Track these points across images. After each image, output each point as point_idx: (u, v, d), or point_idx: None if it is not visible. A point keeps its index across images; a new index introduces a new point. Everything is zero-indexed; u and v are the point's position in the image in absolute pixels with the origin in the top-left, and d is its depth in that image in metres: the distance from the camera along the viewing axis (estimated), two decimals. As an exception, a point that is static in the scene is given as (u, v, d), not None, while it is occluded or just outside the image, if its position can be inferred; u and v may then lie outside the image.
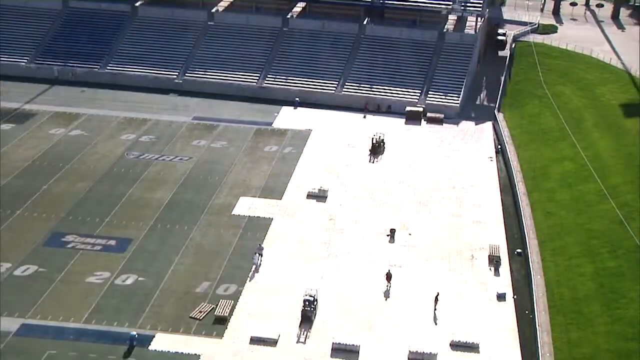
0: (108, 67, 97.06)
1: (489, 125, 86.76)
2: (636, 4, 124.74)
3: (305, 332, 50.47)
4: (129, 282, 55.20)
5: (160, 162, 74.61)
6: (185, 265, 57.59)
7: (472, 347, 49.46)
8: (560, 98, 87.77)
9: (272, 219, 64.61)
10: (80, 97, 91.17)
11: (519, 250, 60.88)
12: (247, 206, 66.54)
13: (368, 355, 48.61)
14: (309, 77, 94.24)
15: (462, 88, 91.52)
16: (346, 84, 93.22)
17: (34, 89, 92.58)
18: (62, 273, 55.80)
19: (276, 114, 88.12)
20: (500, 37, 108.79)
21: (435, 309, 52.93)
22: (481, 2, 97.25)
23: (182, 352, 48.21)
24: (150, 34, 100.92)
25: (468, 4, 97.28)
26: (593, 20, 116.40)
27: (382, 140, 78.68)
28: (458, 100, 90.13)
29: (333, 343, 48.97)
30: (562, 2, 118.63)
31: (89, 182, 69.68)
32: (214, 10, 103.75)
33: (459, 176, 73.88)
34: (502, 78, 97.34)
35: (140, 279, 55.59)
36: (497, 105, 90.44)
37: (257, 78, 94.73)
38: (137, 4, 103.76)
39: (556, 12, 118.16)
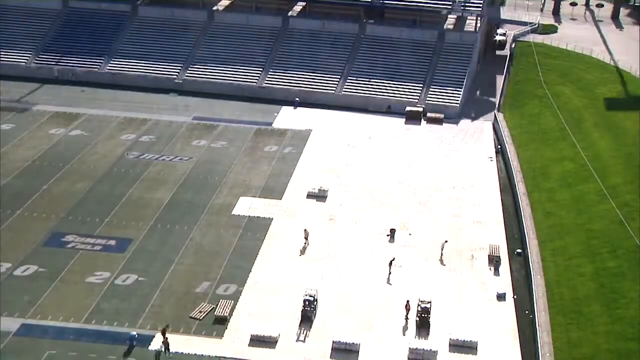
0: (108, 67, 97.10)
1: (489, 125, 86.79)
2: (636, 4, 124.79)
3: (305, 332, 50.47)
4: (129, 282, 55.20)
5: (160, 162, 74.62)
6: (185, 265, 57.59)
7: (471, 347, 49.45)
8: (560, 98, 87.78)
9: (272, 219, 64.61)
10: (80, 97, 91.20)
11: (519, 250, 60.89)
12: (247, 206, 66.54)
13: (368, 355, 48.59)
14: (309, 77, 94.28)
15: (462, 88, 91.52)
16: (346, 84, 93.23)
17: (34, 89, 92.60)
18: (62, 273, 55.79)
19: (276, 114, 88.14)
20: (499, 38, 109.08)
21: (389, 273, 56.13)
22: (481, 2, 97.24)
23: (182, 352, 48.25)
24: (150, 34, 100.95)
25: (468, 4, 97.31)
26: (592, 20, 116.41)
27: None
28: (458, 100, 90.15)
29: (333, 342, 48.98)
30: (562, 2, 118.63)
31: (89, 182, 69.69)
32: (215, 8, 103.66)
33: (459, 176, 73.89)
34: (502, 78, 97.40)
35: (140, 279, 55.59)
36: (497, 105, 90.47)
37: (257, 78, 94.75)
38: (138, 2, 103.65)
39: (556, 12, 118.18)
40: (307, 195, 68.81)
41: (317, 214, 65.78)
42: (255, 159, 76.22)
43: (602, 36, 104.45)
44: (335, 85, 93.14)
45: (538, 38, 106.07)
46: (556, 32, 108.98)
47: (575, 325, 50.26)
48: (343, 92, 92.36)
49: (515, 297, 55.05)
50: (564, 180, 70.02)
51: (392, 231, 62.34)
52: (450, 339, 49.91)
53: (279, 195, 68.90)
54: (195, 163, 74.67)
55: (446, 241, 60.15)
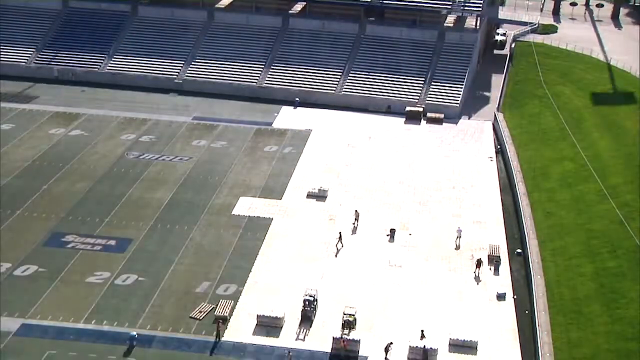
0: (108, 67, 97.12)
1: (489, 125, 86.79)
2: (636, 4, 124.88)
3: (305, 331, 50.45)
4: (129, 282, 55.20)
5: (160, 162, 74.62)
6: (185, 265, 57.59)
7: (471, 347, 49.45)
8: (560, 98, 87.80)
9: (272, 219, 64.61)
10: (80, 97, 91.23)
11: (519, 250, 60.89)
12: (247, 206, 66.54)
13: (368, 354, 48.60)
14: (309, 77, 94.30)
15: (462, 88, 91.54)
16: (346, 84, 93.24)
17: (34, 89, 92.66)
18: (62, 273, 55.78)
19: (276, 114, 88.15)
20: (499, 38, 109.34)
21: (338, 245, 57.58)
22: (481, 2, 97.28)
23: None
24: (150, 34, 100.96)
25: (468, 4, 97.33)
26: (591, 19, 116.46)
27: None
28: (458, 100, 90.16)
29: (333, 338, 48.98)
30: (562, 2, 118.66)
31: (89, 182, 69.70)
32: (216, 6, 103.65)
33: (459, 176, 73.89)
34: (502, 78, 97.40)
35: (140, 279, 55.58)
36: (497, 105, 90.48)
37: (257, 78, 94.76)
38: (138, 2, 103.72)
39: (556, 12, 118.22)
40: (307, 195, 68.82)
41: (317, 214, 65.77)
42: (255, 159, 76.23)
43: (597, 35, 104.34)
44: (335, 85, 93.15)
45: (538, 38, 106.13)
46: (556, 32, 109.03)
47: (575, 325, 50.26)
48: (343, 92, 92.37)
49: (515, 297, 55.04)
50: (564, 180, 70.02)
51: (392, 231, 62.35)
52: (450, 338, 49.90)
53: (279, 195, 68.90)
54: (195, 163, 74.67)
55: (460, 229, 62.18)
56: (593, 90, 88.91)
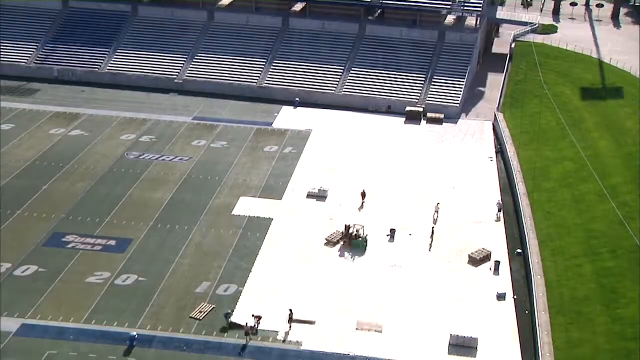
0: (108, 67, 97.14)
1: (489, 125, 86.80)
2: (636, 4, 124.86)
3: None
4: (129, 282, 55.20)
5: (160, 162, 74.62)
6: (185, 265, 57.58)
7: (471, 347, 49.44)
8: (560, 98, 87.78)
9: (272, 219, 64.59)
10: (80, 97, 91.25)
11: (519, 250, 60.89)
12: (247, 206, 66.53)
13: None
14: (309, 77, 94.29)
15: (462, 88, 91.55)
16: (346, 84, 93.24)
17: (34, 89, 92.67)
18: (62, 273, 55.79)
19: (276, 114, 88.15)
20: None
21: None
22: (481, 2, 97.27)
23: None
24: (150, 34, 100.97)
25: (468, 4, 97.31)
26: (589, 19, 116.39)
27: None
28: (458, 100, 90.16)
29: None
30: (562, 2, 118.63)
31: (89, 182, 69.71)
32: (216, 6, 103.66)
33: (459, 176, 73.87)
34: (502, 78, 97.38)
35: (140, 279, 55.58)
36: (497, 105, 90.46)
37: (257, 78, 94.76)
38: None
39: (556, 12, 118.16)
40: (307, 195, 68.82)
41: (317, 214, 65.76)
42: (255, 159, 76.22)
43: (593, 33, 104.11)
44: (335, 85, 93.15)
45: (538, 38, 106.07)
46: (556, 32, 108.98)
47: (575, 325, 50.25)
48: (343, 92, 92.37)
49: (515, 297, 55.04)
50: (564, 180, 70.01)
51: (392, 231, 62.35)
52: (450, 338, 49.87)
53: (279, 195, 68.90)
54: (195, 163, 74.67)
55: (438, 203, 64.29)
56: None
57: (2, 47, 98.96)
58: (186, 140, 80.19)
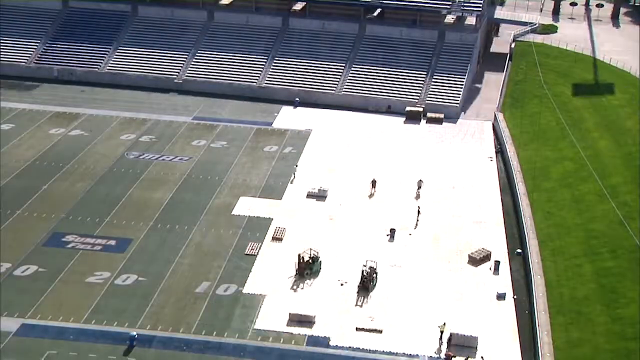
0: (108, 67, 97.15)
1: (489, 125, 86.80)
2: (636, 4, 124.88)
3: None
4: (129, 282, 55.20)
5: (160, 162, 74.62)
6: (185, 265, 57.59)
7: (471, 347, 49.44)
8: (560, 98, 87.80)
9: (272, 219, 64.59)
10: (80, 97, 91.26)
11: (519, 250, 60.89)
12: (247, 206, 66.53)
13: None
14: (309, 77, 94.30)
15: (462, 88, 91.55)
16: (346, 84, 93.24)
17: (34, 89, 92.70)
18: (62, 273, 55.80)
19: (276, 114, 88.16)
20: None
21: None
22: (481, 2, 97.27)
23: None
24: (150, 34, 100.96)
25: (468, 4, 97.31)
26: (592, 20, 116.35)
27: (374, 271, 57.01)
28: (458, 100, 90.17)
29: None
30: (562, 2, 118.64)
31: (89, 182, 69.71)
32: (216, 6, 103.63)
33: (459, 176, 73.88)
34: (502, 78, 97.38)
35: (140, 279, 55.59)
36: (497, 105, 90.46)
37: (257, 78, 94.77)
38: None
39: (556, 12, 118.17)
40: (307, 195, 68.81)
41: (317, 214, 65.76)
42: (255, 159, 76.22)
43: (590, 32, 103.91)
44: (335, 85, 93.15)
45: (538, 38, 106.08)
46: (556, 32, 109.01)
47: (575, 325, 50.25)
48: (343, 92, 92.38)
49: (515, 297, 55.04)
50: (564, 180, 70.02)
51: (392, 231, 62.35)
52: (449, 338, 49.86)
53: (279, 195, 68.89)
54: (195, 163, 74.67)
55: (421, 180, 69.23)
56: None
57: (2, 47, 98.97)
58: (186, 140, 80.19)
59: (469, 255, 59.41)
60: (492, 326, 51.64)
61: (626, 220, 59.33)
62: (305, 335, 50.13)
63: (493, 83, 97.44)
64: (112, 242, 60.11)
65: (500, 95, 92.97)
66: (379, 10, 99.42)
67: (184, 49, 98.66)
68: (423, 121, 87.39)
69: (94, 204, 65.97)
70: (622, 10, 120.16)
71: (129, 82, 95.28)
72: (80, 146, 77.28)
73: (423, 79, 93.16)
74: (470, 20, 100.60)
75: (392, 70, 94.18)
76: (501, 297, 54.73)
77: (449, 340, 49.57)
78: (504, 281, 56.83)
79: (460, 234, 63.13)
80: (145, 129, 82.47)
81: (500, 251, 60.44)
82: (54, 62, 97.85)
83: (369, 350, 49.07)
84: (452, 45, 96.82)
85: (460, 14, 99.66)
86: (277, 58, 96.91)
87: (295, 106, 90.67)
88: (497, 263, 58.40)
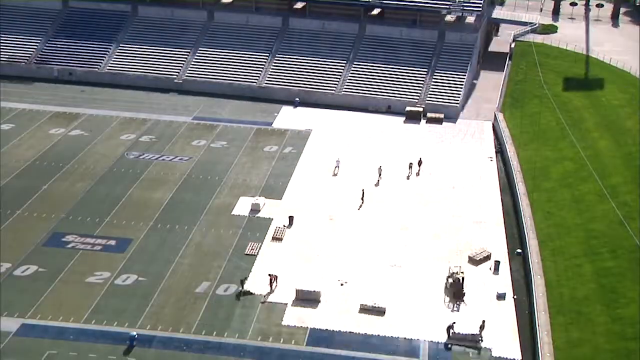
0: (108, 67, 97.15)
1: (489, 125, 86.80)
2: (636, 4, 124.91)
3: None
4: (129, 282, 55.20)
5: (160, 162, 74.62)
6: (185, 265, 57.59)
7: (471, 347, 49.47)
8: (560, 98, 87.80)
9: (272, 219, 64.58)
10: (80, 97, 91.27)
11: (519, 250, 60.89)
12: (247, 206, 66.50)
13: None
14: (309, 77, 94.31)
15: (462, 88, 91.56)
16: (346, 84, 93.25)
17: (34, 89, 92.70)
18: (62, 273, 55.80)
19: (276, 114, 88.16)
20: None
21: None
22: (481, 2, 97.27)
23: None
24: (150, 34, 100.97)
25: (468, 4, 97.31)
26: (592, 20, 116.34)
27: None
28: (458, 100, 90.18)
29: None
30: (562, 2, 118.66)
31: (89, 182, 69.71)
32: (216, 6, 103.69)
33: (458, 176, 73.88)
34: (502, 78, 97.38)
35: (140, 279, 55.59)
36: (497, 105, 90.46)
37: (257, 78, 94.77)
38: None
39: (556, 12, 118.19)
40: (307, 195, 68.79)
41: (317, 214, 65.76)
42: (255, 159, 76.23)
43: (587, 31, 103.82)
44: (335, 85, 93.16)
45: (538, 38, 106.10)
46: (556, 32, 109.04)
47: (575, 325, 50.26)
48: (343, 92, 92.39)
49: (515, 297, 55.04)
50: (564, 180, 70.03)
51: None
52: (449, 337, 49.92)
53: (279, 195, 68.90)
54: (195, 163, 74.68)
55: (420, 159, 73.35)
56: (594, 90, 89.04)
57: (2, 47, 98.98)
58: (186, 140, 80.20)
59: (469, 256, 59.41)
60: (492, 326, 51.61)
61: (626, 220, 59.33)
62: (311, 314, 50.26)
63: (493, 83, 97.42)
64: (112, 242, 60.12)
65: (500, 95, 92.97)
66: (378, 10, 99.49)
67: (184, 49, 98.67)
68: (423, 121, 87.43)
69: (94, 204, 65.98)
70: (622, 10, 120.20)
71: (129, 82, 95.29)
72: (80, 146, 77.29)
73: (423, 78, 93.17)
74: (470, 19, 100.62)
75: (392, 70, 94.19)
76: (501, 297, 54.73)
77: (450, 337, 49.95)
78: (504, 281, 56.83)
79: (460, 234, 63.13)
80: (145, 129, 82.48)
81: (500, 251, 60.46)
82: (53, 62, 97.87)
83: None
84: (452, 45, 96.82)
85: (460, 14, 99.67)
86: (277, 58, 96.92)
87: (295, 106, 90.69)
88: (497, 263, 58.41)
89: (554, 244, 60.14)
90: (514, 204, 68.49)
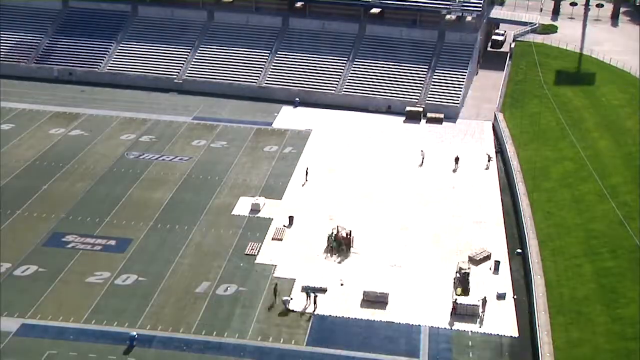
0: (108, 67, 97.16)
1: (489, 125, 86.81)
2: (636, 4, 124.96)
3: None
4: (129, 282, 55.20)
5: (160, 162, 74.63)
6: (185, 265, 57.59)
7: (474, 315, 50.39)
8: (560, 98, 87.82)
9: (272, 219, 64.59)
10: (80, 97, 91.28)
11: (519, 250, 60.89)
12: (247, 206, 66.50)
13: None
14: (309, 77, 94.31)
15: (462, 88, 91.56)
16: (346, 84, 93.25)
17: (34, 89, 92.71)
18: (62, 273, 55.79)
19: (276, 114, 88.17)
20: (497, 38, 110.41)
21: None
22: (481, 2, 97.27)
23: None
24: (150, 34, 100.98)
25: (468, 4, 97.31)
26: (592, 20, 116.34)
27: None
28: (458, 100, 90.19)
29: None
30: (562, 2, 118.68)
31: (89, 182, 69.72)
32: (216, 6, 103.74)
33: (459, 176, 73.88)
34: (502, 78, 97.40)
35: (140, 279, 55.59)
36: (497, 105, 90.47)
37: (257, 78, 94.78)
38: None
39: (556, 12, 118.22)
40: (307, 195, 68.79)
41: (317, 214, 65.77)
42: (255, 159, 76.23)
43: (583, 28, 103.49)
44: (335, 85, 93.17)
45: (538, 38, 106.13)
46: (556, 32, 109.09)
47: (575, 325, 50.26)
48: (343, 92, 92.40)
49: (515, 297, 55.04)
50: (564, 180, 70.04)
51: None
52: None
53: (279, 195, 68.90)
54: (195, 163, 74.69)
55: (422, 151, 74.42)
56: (594, 90, 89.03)
57: (2, 47, 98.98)
58: (186, 140, 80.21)
59: (469, 257, 59.39)
60: (492, 326, 51.60)
61: (626, 220, 59.33)
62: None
63: (493, 83, 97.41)
64: (112, 242, 60.12)
65: (500, 95, 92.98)
66: (378, 10, 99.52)
67: (184, 49, 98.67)
68: (423, 121, 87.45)
69: (94, 204, 65.98)
70: (622, 9, 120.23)
71: (129, 82, 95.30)
72: (80, 146, 77.30)
73: (423, 78, 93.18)
74: (470, 20, 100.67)
75: (392, 70, 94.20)
76: (501, 297, 54.73)
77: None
78: (504, 281, 56.83)
79: (460, 234, 63.14)
80: (145, 129, 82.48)
81: (500, 251, 60.46)
82: (53, 62, 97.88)
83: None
84: (452, 45, 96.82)
85: (460, 14, 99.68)
86: (277, 58, 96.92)
87: (295, 106, 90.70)
88: (497, 263, 58.41)
89: (554, 244, 60.14)
90: (514, 204, 68.50)
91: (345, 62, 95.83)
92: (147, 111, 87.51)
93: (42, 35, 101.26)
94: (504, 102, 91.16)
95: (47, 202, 65.83)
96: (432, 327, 51.07)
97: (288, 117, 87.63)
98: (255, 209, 65.59)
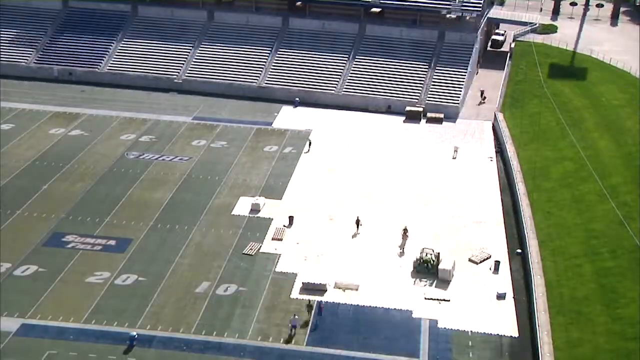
0: (108, 67, 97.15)
1: (488, 125, 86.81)
2: (636, 4, 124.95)
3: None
4: (129, 282, 55.22)
5: (160, 162, 74.64)
6: (185, 265, 57.61)
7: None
8: (560, 98, 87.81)
9: (272, 219, 64.59)
10: (80, 97, 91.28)
11: (519, 250, 60.90)
12: (247, 206, 66.51)
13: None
14: (309, 77, 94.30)
15: (462, 88, 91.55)
16: (346, 84, 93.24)
17: (34, 89, 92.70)
18: (62, 273, 55.82)
19: (276, 114, 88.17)
20: (496, 37, 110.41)
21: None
22: (481, 2, 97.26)
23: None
24: (150, 34, 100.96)
25: (468, 4, 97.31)
26: (592, 20, 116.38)
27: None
28: (458, 100, 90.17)
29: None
30: (562, 2, 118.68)
31: (89, 182, 69.73)
32: (217, 5, 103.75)
33: (459, 176, 73.88)
34: (502, 78, 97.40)
35: (140, 279, 55.61)
36: (497, 105, 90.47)
37: (257, 78, 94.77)
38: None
39: (556, 12, 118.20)
40: (307, 195, 68.80)
41: (317, 214, 65.77)
42: (255, 159, 76.24)
43: (580, 27, 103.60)
44: (335, 85, 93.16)
45: (538, 38, 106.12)
46: (556, 32, 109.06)
47: (575, 325, 50.27)
48: (343, 92, 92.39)
49: (515, 297, 55.05)
50: (564, 180, 70.04)
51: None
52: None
53: (279, 195, 68.90)
54: (195, 163, 74.69)
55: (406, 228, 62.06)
56: (594, 90, 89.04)
57: (2, 47, 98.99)
58: (186, 140, 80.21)
59: (469, 258, 59.39)
60: (492, 326, 51.62)
61: (626, 220, 59.34)
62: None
63: (493, 83, 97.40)
64: (112, 242, 60.14)
65: (500, 95, 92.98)
66: (378, 10, 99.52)
67: (184, 48, 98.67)
68: (423, 121, 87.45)
69: (94, 204, 65.99)
70: (622, 9, 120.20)
71: (129, 82, 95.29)
72: (80, 146, 77.31)
73: (423, 78, 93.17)
74: (470, 20, 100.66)
75: (392, 69, 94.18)
76: (501, 297, 54.75)
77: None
78: (504, 281, 56.84)
79: (460, 234, 63.14)
80: (145, 129, 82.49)
81: (500, 251, 60.48)
82: (53, 62, 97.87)
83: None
84: (452, 45, 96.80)
85: (460, 14, 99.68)
86: (277, 58, 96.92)
87: (295, 106, 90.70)
88: (497, 263, 58.42)
89: (554, 244, 60.14)
90: (514, 204, 68.49)
91: (345, 62, 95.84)
92: (147, 111, 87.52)
93: (42, 35, 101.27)
94: (504, 102, 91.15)
95: (47, 202, 65.85)
96: (431, 326, 50.86)
97: (288, 117, 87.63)
98: (255, 209, 65.60)
